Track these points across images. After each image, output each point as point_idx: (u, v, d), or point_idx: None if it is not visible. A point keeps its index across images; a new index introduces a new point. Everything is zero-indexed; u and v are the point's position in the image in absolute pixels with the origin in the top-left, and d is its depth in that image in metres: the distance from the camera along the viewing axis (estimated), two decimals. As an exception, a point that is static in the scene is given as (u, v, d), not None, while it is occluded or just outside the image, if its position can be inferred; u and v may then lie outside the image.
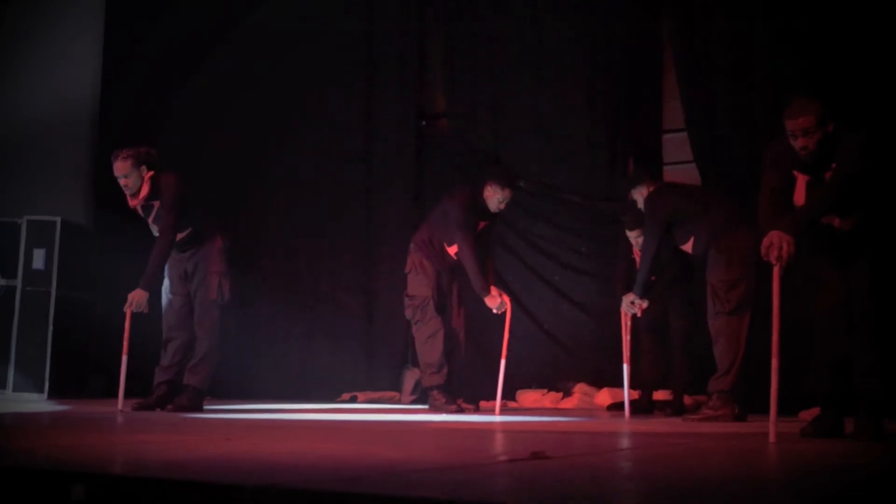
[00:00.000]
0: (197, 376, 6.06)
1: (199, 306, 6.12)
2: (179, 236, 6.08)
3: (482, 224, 6.80)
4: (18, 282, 7.66)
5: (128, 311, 5.97)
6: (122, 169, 5.95)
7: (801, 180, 4.53)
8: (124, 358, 6.01)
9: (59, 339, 7.62)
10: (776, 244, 4.28)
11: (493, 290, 6.64)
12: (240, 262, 8.08)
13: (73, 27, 8.95)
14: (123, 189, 6.01)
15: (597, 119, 8.41)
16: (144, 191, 5.99)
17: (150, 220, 6.09)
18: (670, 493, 2.40)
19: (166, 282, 6.23)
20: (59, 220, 7.71)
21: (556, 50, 8.53)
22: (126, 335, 6.00)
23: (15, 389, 7.54)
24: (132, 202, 6.05)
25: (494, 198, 6.71)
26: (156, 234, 6.06)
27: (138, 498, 2.25)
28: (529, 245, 8.64)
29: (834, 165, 4.42)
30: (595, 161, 8.43)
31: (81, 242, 7.89)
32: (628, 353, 6.57)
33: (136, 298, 5.93)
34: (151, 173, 6.00)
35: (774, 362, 4.21)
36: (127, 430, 4.51)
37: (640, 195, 6.64)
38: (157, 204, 6.02)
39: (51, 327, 7.59)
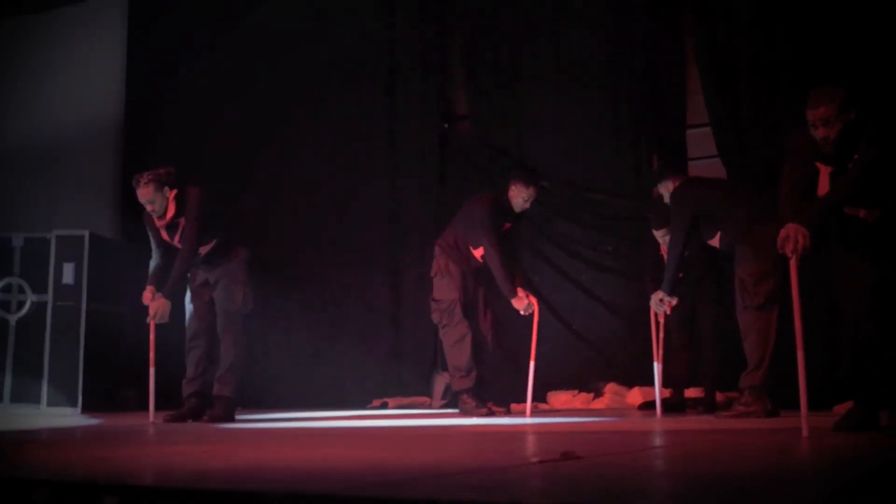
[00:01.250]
0: (227, 386, 6.07)
1: (222, 315, 6.12)
2: (204, 249, 6.10)
3: (507, 225, 6.79)
4: (49, 296, 7.71)
5: (151, 322, 6.00)
6: (146, 195, 5.96)
7: (824, 172, 4.49)
8: (152, 370, 6.04)
9: (91, 352, 7.66)
10: (792, 237, 4.25)
11: (520, 292, 6.62)
12: (266, 271, 8.13)
13: (96, 42, 9.02)
14: (150, 213, 6.03)
15: (620, 115, 8.39)
16: (171, 211, 6.01)
17: (175, 241, 6.09)
18: (705, 491, 2.37)
19: (188, 292, 6.25)
20: (87, 233, 7.76)
21: (577, 48, 8.52)
22: (152, 346, 6.03)
23: (49, 404, 7.59)
24: (159, 223, 6.06)
25: (519, 197, 6.70)
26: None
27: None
28: (555, 245, 8.62)
29: (857, 156, 4.38)
30: (619, 158, 8.41)
31: (110, 255, 7.94)
32: (659, 352, 6.54)
33: (159, 309, 5.95)
34: (175, 192, 6.02)
35: (800, 355, 4.18)
36: (157, 442, 4.53)
37: (666, 190, 6.60)
38: (182, 222, 6.04)
39: (82, 341, 7.63)
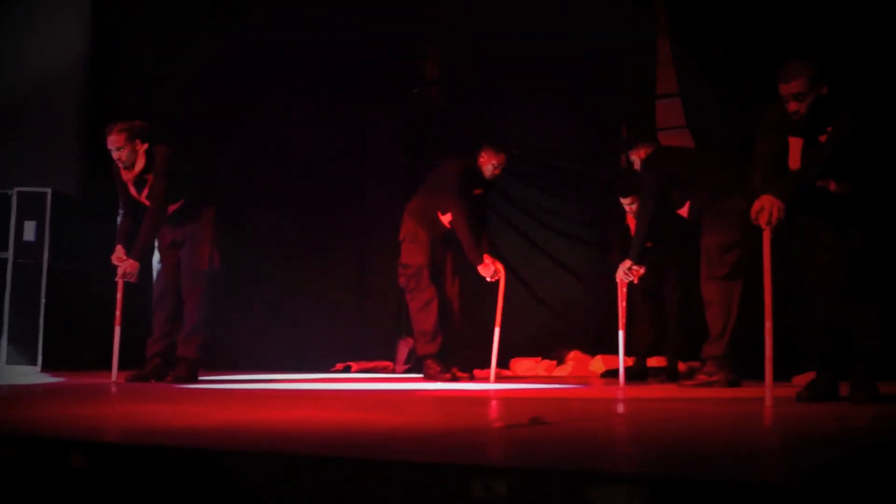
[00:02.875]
0: (190, 347, 6.05)
1: (187, 276, 6.08)
2: (172, 208, 6.05)
3: (477, 192, 6.78)
4: (10, 254, 7.62)
5: (119, 281, 5.96)
6: (116, 142, 5.89)
7: (795, 145, 4.51)
8: (117, 329, 6.00)
9: (52, 311, 7.59)
10: (767, 208, 4.27)
11: (487, 259, 6.63)
12: (230, 232, 8.08)
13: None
14: (117, 162, 5.96)
15: (589, 85, 8.39)
16: (139, 164, 5.95)
17: (143, 197, 6.04)
18: (669, 457, 2.39)
19: (156, 252, 6.20)
20: (49, 191, 7.66)
21: (547, 16, 8.49)
22: (119, 306, 5.99)
23: (8, 362, 7.52)
24: (126, 175, 6.00)
25: (489, 164, 6.70)
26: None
27: (138, 466, 2.24)
28: (522, 212, 8.64)
29: (829, 129, 4.40)
30: (588, 127, 8.42)
31: (73, 213, 7.85)
32: (623, 320, 6.58)
33: (128, 268, 5.91)
34: (146, 146, 5.95)
35: (768, 325, 4.22)
36: (123, 401, 4.50)
37: (636, 157, 6.62)
38: (150, 178, 5.98)
39: (43, 299, 7.56)
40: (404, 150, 8.79)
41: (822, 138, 4.41)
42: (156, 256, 6.22)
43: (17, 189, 7.68)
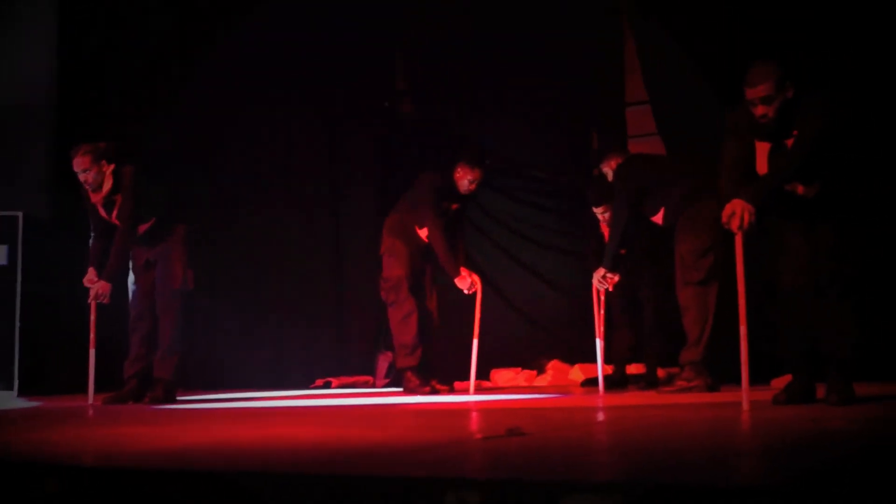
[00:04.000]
0: (166, 368, 6.00)
1: (161, 296, 6.05)
2: (143, 228, 6.03)
3: (454, 206, 6.79)
4: (-18, 279, 7.55)
5: (92, 303, 5.92)
6: (81, 164, 5.86)
7: (762, 148, 4.54)
8: (92, 351, 5.96)
9: (27, 335, 7.52)
10: (738, 213, 4.29)
11: (463, 271, 6.63)
12: (207, 249, 8.05)
13: (27, 16, 8.80)
14: (84, 185, 5.93)
15: (559, 93, 8.42)
16: (107, 185, 5.91)
17: (113, 217, 6.00)
18: (647, 464, 2.40)
19: (131, 272, 6.17)
20: (21, 214, 7.60)
21: (517, 26, 8.51)
22: (92, 328, 5.95)
23: (-17, 387, 7.44)
24: (94, 198, 5.97)
25: (465, 179, 6.71)
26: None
27: (114, 489, 2.22)
28: (497, 223, 8.66)
29: (795, 132, 4.43)
30: (559, 136, 8.45)
31: (45, 236, 7.78)
32: (601, 328, 6.59)
33: (100, 290, 5.87)
34: (112, 167, 5.92)
35: (743, 330, 4.24)
36: (99, 424, 4.46)
37: (608, 167, 6.65)
38: (119, 199, 5.95)
39: (18, 324, 7.49)
40: (377, 163, 8.78)
41: (790, 142, 4.44)
42: (131, 277, 6.19)
43: (-13, 213, 7.61)
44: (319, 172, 8.85)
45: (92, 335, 5.95)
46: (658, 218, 6.35)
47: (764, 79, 4.38)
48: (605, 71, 8.41)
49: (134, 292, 6.16)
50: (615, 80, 8.47)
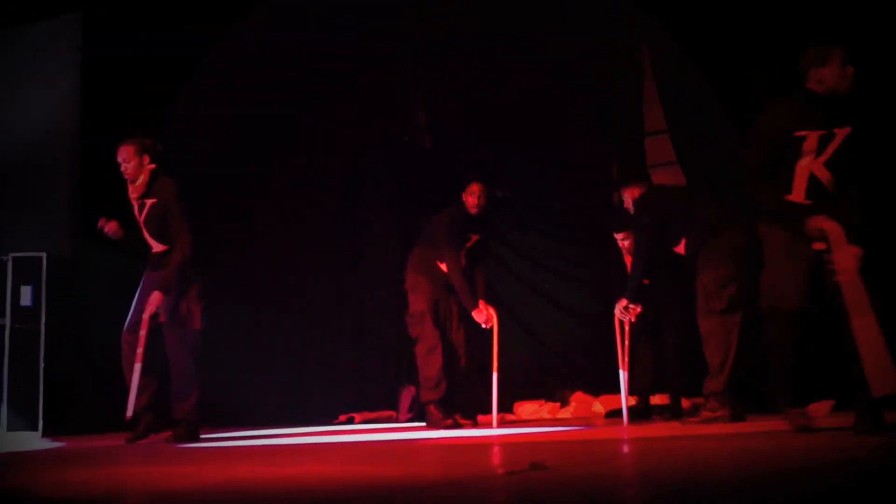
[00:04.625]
0: (186, 407, 5.95)
1: (172, 333, 5.99)
2: (158, 249, 6.02)
3: (474, 237, 6.80)
4: (7, 320, 7.59)
5: (146, 317, 5.83)
6: (124, 153, 5.93)
7: (813, 137, 4.50)
8: (138, 365, 5.78)
9: (52, 375, 7.54)
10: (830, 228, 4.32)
11: (481, 304, 6.63)
12: (230, 286, 8.08)
13: (51, 60, 8.90)
14: (123, 174, 5.95)
15: (578, 124, 8.43)
16: (142, 180, 5.94)
17: (140, 218, 6.03)
18: (673, 498, 2.37)
19: (135, 304, 6.07)
20: (44, 255, 7.65)
21: (535, 59, 8.54)
22: (142, 343, 5.80)
23: (9, 428, 7.46)
24: (131, 192, 5.97)
25: (469, 198, 6.75)
26: (147, 236, 5.99)
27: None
28: (517, 254, 8.66)
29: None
30: (577, 166, 8.45)
31: (68, 276, 7.83)
32: (625, 360, 6.55)
33: (158, 303, 5.82)
34: (154, 167, 5.98)
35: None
36: (123, 464, 4.46)
37: (629, 195, 6.63)
38: (149, 202, 5.97)
39: (42, 364, 7.52)
40: (398, 193, 8.81)
41: (840, 131, 4.45)
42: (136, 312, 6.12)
43: (12, 255, 7.67)
44: (339, 202, 8.88)
45: (140, 349, 5.78)
46: (680, 248, 6.32)
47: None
48: (624, 101, 8.42)
49: (131, 322, 6.00)
50: (634, 110, 8.48)
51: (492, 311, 6.67)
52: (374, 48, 8.91)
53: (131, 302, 5.98)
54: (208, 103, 8.74)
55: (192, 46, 8.60)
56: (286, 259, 8.83)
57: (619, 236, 6.88)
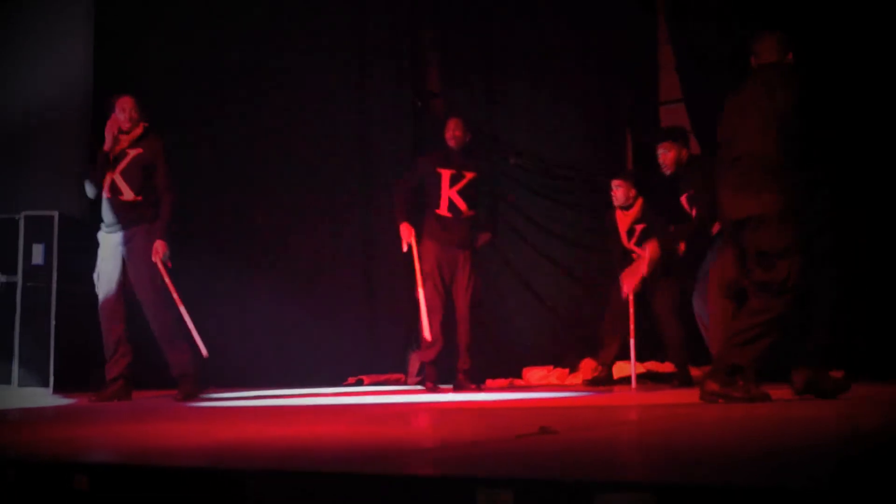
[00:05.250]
0: (182, 363, 5.99)
1: (152, 291, 6.02)
2: (129, 198, 6.06)
3: (468, 175, 6.87)
4: (19, 278, 7.62)
5: (157, 260, 5.99)
6: (126, 103, 6.14)
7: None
8: (182, 309, 6.02)
9: (62, 333, 7.58)
10: None
11: (404, 228, 6.78)
12: (240, 248, 8.10)
13: (64, 20, 8.88)
14: (125, 121, 6.10)
15: (593, 92, 8.38)
16: (136, 132, 6.12)
17: (118, 170, 6.06)
18: (676, 463, 2.37)
19: (103, 273, 6.12)
20: (56, 214, 7.66)
21: (549, 26, 8.49)
22: (173, 289, 6.00)
23: (20, 384, 7.51)
24: (116, 143, 6.07)
25: (447, 134, 6.95)
26: (122, 183, 6.07)
27: (142, 486, 2.22)
28: (530, 221, 8.63)
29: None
30: (591, 134, 8.40)
31: (80, 235, 7.83)
32: (632, 327, 6.55)
33: (163, 249, 5.99)
34: (146, 124, 6.19)
35: None
36: (131, 420, 4.48)
37: (667, 150, 6.52)
38: (133, 153, 6.09)
39: (53, 322, 7.55)
40: (408, 161, 8.77)
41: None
42: (96, 274, 6.16)
43: (24, 213, 7.68)
44: (351, 171, 8.85)
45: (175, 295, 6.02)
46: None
47: None
48: (639, 68, 8.36)
49: (108, 292, 6.09)
50: (649, 78, 8.42)
51: (411, 238, 6.70)
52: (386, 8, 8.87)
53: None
54: (220, 68, 8.72)
55: (206, 8, 8.59)
56: (293, 217, 8.82)
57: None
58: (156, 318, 6.02)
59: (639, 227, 7.21)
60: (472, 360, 6.89)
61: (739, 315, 4.62)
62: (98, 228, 6.34)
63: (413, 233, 6.79)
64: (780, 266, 4.49)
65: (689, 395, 5.65)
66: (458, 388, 6.72)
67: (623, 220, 7.30)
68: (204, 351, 5.95)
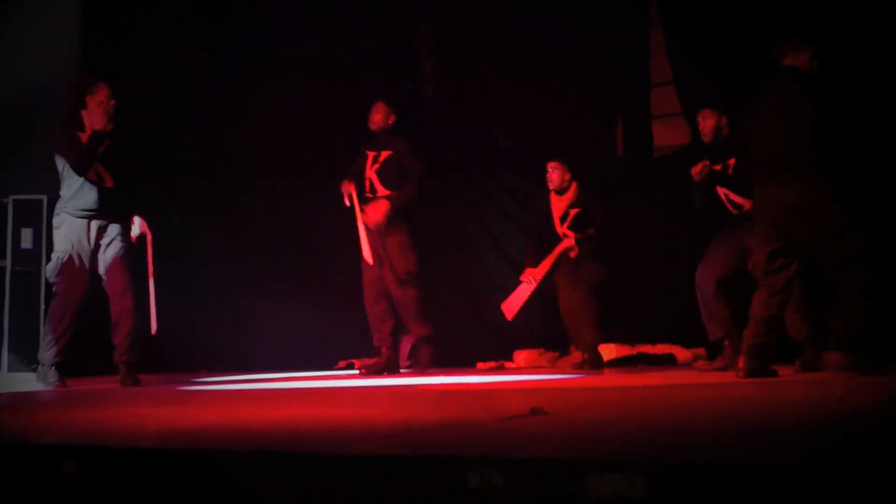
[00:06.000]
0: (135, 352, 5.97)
1: (124, 268, 6.01)
2: (111, 184, 6.07)
3: (385, 153, 7.08)
4: (8, 262, 7.59)
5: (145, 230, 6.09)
6: (107, 92, 6.09)
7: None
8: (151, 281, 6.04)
9: (52, 317, 7.55)
10: None
11: (345, 183, 7.10)
12: (228, 230, 8.09)
13: (52, 3, 8.83)
14: (106, 107, 6.02)
15: (582, 74, 8.37)
16: (110, 126, 6.06)
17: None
18: (669, 443, 2.37)
19: (68, 256, 6.02)
20: (45, 198, 7.62)
21: (540, 10, 8.46)
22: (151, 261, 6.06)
23: (10, 370, 7.50)
24: (99, 126, 6.00)
25: (369, 118, 7.24)
26: (103, 171, 6.06)
27: (132, 469, 2.22)
28: (520, 206, 8.62)
29: None
30: (582, 116, 8.41)
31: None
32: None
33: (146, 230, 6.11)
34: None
35: None
36: (120, 404, 4.47)
37: (705, 118, 6.45)
38: (108, 142, 6.05)
39: (42, 306, 7.52)
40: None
41: None
42: (52, 264, 6.08)
43: (12, 197, 7.65)
44: (341, 156, 8.82)
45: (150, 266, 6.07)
46: None
47: None
48: (629, 51, 8.33)
49: (71, 279, 6.02)
50: (640, 61, 8.39)
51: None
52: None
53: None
54: (208, 52, 8.67)
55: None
56: (288, 207, 8.79)
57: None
58: (123, 301, 5.99)
59: (573, 212, 7.28)
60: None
61: (844, 296, 4.82)
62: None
63: (353, 186, 7.03)
64: (858, 234, 4.75)
65: (680, 377, 5.67)
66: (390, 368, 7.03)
67: (557, 204, 7.37)
68: (154, 327, 5.92)
